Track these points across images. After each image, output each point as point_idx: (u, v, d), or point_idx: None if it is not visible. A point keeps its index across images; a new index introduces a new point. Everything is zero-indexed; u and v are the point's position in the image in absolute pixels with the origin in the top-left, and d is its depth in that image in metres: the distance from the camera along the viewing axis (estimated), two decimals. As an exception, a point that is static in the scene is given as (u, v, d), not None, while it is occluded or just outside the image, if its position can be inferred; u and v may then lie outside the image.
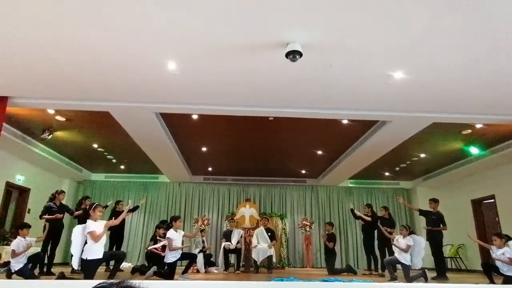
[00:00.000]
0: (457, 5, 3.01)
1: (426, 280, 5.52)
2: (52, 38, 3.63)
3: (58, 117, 6.36)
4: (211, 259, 8.32)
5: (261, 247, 7.82)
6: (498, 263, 5.26)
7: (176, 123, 6.75)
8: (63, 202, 6.63)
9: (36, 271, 5.77)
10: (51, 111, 6.08)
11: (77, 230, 4.63)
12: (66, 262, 9.14)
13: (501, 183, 8.26)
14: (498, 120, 5.70)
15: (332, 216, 11.31)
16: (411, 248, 5.78)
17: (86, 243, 4.52)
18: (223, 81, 4.64)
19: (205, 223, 10.00)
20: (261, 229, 8.19)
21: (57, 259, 7.67)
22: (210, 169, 10.59)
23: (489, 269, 5.49)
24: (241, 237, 8.20)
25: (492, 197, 8.57)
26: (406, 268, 5.69)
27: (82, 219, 6.02)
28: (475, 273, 8.34)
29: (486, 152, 7.82)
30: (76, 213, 6.80)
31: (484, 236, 8.63)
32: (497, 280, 5.27)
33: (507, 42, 3.59)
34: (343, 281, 4.98)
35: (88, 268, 4.44)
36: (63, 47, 3.81)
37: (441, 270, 6.54)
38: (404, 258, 5.73)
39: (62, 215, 6.39)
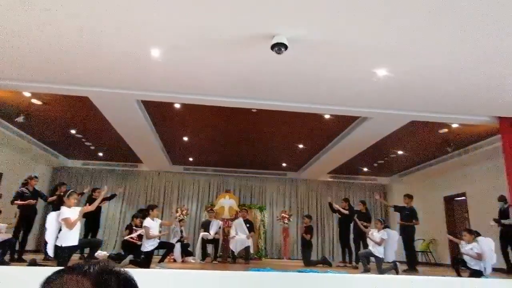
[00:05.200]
0: (442, 10, 3.08)
1: (397, 273, 5.71)
2: (30, 19, 3.49)
3: (34, 100, 6.15)
4: (189, 248, 8.32)
5: (239, 238, 7.86)
6: (466, 258, 5.48)
7: (157, 112, 6.65)
8: (37, 187, 6.45)
9: (7, 258, 5.62)
10: (27, 94, 5.87)
11: (52, 216, 4.55)
12: (39, 250, 8.92)
13: (472, 181, 8.58)
14: (473, 120, 5.92)
15: (310, 209, 11.47)
16: (384, 242, 5.96)
17: (60, 230, 4.44)
18: (207, 71, 4.60)
19: (184, 213, 9.96)
20: (240, 220, 8.22)
21: (30, 246, 7.48)
22: (190, 159, 10.52)
23: (458, 263, 5.72)
24: (220, 228, 8.23)
25: (463, 194, 8.91)
26: (379, 260, 5.87)
27: (56, 206, 5.89)
28: (444, 267, 8.68)
29: (460, 151, 8.11)
30: (50, 199, 6.65)
31: (454, 231, 8.97)
32: (464, 274, 5.50)
33: (485, 48, 3.72)
34: (318, 272, 5.09)
35: (62, 255, 4.38)
36: (41, 28, 3.67)
37: (412, 263, 6.77)
38: (378, 251, 5.90)
39: (35, 201, 6.22)
